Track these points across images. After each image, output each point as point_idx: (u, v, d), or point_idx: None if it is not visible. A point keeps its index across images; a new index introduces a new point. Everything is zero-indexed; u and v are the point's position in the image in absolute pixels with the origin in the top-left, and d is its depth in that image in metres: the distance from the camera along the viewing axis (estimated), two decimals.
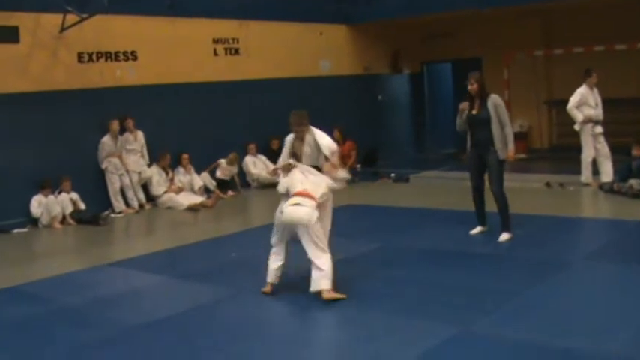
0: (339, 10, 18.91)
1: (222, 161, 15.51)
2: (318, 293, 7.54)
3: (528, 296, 7.31)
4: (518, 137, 18.49)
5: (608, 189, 12.95)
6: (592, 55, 15.71)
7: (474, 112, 9.87)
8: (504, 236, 9.97)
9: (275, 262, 7.87)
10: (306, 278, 7.68)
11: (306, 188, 7.68)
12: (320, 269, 7.53)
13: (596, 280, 8.05)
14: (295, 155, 8.15)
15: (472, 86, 9.83)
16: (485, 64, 19.41)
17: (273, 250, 7.89)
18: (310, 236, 7.53)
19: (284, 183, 7.96)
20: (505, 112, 9.82)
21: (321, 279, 7.53)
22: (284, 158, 8.23)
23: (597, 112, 13.57)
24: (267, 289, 7.88)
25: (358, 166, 17.41)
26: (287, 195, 7.80)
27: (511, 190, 10.55)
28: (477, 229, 10.42)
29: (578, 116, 13.53)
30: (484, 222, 10.43)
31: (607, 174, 13.44)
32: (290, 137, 8.27)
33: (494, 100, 9.81)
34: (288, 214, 7.56)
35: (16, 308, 7.98)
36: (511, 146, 9.83)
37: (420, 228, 11.06)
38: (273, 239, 7.91)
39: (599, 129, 13.60)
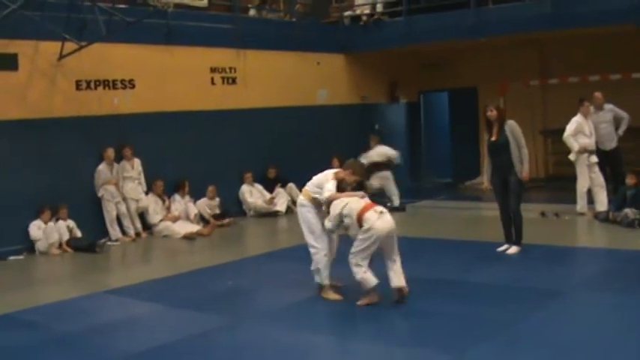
0: (337, 39, 19.02)
1: (203, 199, 15.49)
2: (401, 289, 8.23)
3: (523, 325, 7.31)
4: None
5: (603, 218, 12.99)
6: (587, 85, 15.78)
7: (493, 138, 10.58)
8: (514, 249, 10.75)
9: (371, 273, 8.18)
10: (305, 302, 7.68)
11: (368, 200, 8.35)
12: (400, 268, 8.22)
13: (591, 309, 8.06)
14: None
15: (492, 113, 10.54)
16: (481, 94, 19.52)
17: (366, 262, 8.16)
18: (394, 240, 8.20)
19: (344, 210, 8.25)
20: (521, 136, 10.56)
21: (402, 276, 8.21)
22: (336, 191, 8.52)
23: (592, 142, 13.66)
24: (376, 298, 8.26)
25: None
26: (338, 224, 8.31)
27: None
28: (505, 247, 10.89)
29: (575, 145, 13.60)
30: (512, 240, 10.86)
31: (602, 203, 13.50)
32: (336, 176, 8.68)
33: (511, 125, 10.51)
34: (385, 224, 8.05)
35: (12, 336, 7.96)
36: (526, 167, 10.57)
37: (416, 257, 11.00)
38: (363, 255, 8.12)
39: (594, 158, 13.68)
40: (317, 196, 8.64)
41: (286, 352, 7.12)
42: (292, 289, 9.25)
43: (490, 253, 10.75)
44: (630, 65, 15.69)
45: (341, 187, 8.56)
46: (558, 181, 16.91)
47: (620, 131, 14.12)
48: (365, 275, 8.12)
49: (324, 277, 8.68)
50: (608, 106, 14.05)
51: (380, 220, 8.03)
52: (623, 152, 14.32)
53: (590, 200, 13.71)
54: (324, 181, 8.61)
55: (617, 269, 9.71)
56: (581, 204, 13.75)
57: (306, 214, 8.77)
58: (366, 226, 8.02)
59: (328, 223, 8.44)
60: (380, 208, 8.22)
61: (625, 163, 14.24)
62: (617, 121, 14.09)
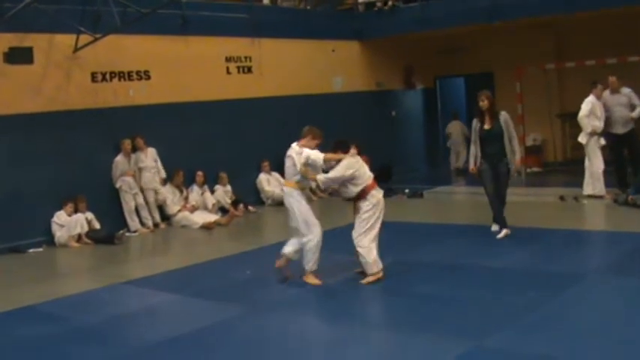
0: (351, 26, 18.98)
1: (217, 186, 15.50)
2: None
3: (543, 310, 7.28)
4: (532, 151, 18.58)
5: (622, 201, 12.91)
6: (604, 68, 15.65)
7: (486, 127, 10.86)
8: (495, 227, 11.10)
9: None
10: (323, 291, 7.70)
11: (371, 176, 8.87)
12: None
13: (611, 293, 8.00)
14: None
15: (483, 102, 10.83)
16: (497, 79, 19.50)
17: (376, 243, 8.70)
18: None
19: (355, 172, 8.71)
20: (513, 127, 10.94)
21: None
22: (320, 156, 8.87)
23: (602, 125, 13.66)
24: (381, 274, 8.72)
25: None
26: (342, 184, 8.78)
27: (526, 204, 10.68)
28: (498, 227, 11.08)
29: (588, 127, 13.60)
30: (506, 224, 10.99)
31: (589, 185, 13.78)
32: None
33: (505, 116, 10.87)
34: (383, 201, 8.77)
35: (32, 328, 8.01)
36: (518, 157, 11.15)
37: (434, 243, 11.05)
38: (373, 233, 8.66)
39: (602, 141, 13.69)
40: (298, 178, 8.95)
41: (305, 340, 7.15)
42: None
43: (509, 238, 10.71)
44: None
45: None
46: (576, 164, 16.81)
47: (635, 114, 13.87)
48: (376, 259, 8.64)
49: (312, 263, 8.88)
50: (626, 90, 13.89)
51: (382, 196, 8.77)
52: (637, 136, 14.16)
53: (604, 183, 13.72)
54: (299, 155, 8.88)
55: (636, 253, 9.63)
56: (599, 187, 13.67)
57: (296, 203, 8.97)
58: (373, 200, 8.62)
59: (328, 178, 8.75)
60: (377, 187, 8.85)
61: None
62: (632, 106, 13.94)
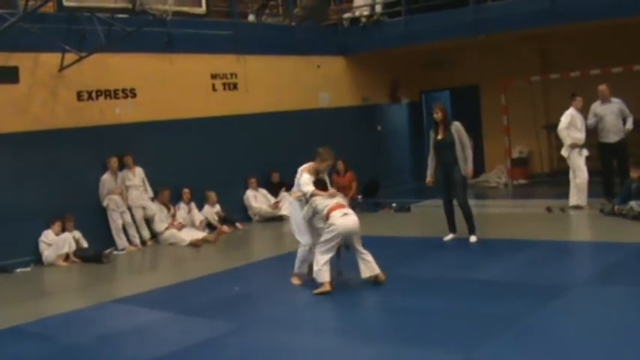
0: (336, 42, 19.02)
1: (205, 206, 15.48)
2: (375, 277, 9.11)
3: (530, 321, 7.28)
4: (518, 163, 18.62)
5: (608, 211, 12.96)
6: (588, 79, 15.70)
7: (439, 137, 11.47)
8: (473, 238, 11.45)
9: (328, 265, 9.04)
10: (312, 306, 7.68)
11: (339, 201, 9.27)
12: (370, 258, 9.12)
13: (598, 304, 8.01)
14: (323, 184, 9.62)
15: (437, 114, 11.52)
16: (483, 91, 19.57)
17: (327, 257, 9.01)
18: (359, 236, 9.17)
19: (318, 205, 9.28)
20: (466, 136, 11.44)
21: (374, 266, 9.12)
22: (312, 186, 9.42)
23: (583, 136, 13.74)
24: (328, 287, 8.94)
25: (359, 196, 17.46)
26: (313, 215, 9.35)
27: (512, 216, 10.66)
28: (450, 237, 11.73)
29: (567, 139, 13.73)
30: (455, 229, 11.81)
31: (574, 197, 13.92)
32: (309, 168, 9.62)
33: (457, 126, 11.39)
34: (347, 223, 9.01)
35: (20, 348, 7.96)
36: (470, 165, 11.44)
37: (421, 257, 11.07)
38: (325, 248, 9.02)
39: (585, 152, 13.76)
40: (299, 193, 9.55)
41: (294, 356, 7.12)
42: (298, 292, 9.26)
43: (496, 249, 10.75)
44: (631, 57, 15.60)
45: (318, 175, 9.59)
46: (563, 175, 16.88)
47: (629, 125, 13.84)
48: (321, 269, 8.95)
49: (297, 266, 9.69)
50: (616, 100, 13.93)
51: (342, 218, 9.00)
52: (627, 145, 14.19)
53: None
54: (300, 178, 9.52)
55: (623, 263, 9.65)
56: (582, 198, 13.74)
57: (294, 211, 9.84)
58: (330, 221, 9.02)
59: (305, 212, 9.42)
60: (345, 210, 9.16)
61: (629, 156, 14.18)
62: (623, 116, 13.94)
